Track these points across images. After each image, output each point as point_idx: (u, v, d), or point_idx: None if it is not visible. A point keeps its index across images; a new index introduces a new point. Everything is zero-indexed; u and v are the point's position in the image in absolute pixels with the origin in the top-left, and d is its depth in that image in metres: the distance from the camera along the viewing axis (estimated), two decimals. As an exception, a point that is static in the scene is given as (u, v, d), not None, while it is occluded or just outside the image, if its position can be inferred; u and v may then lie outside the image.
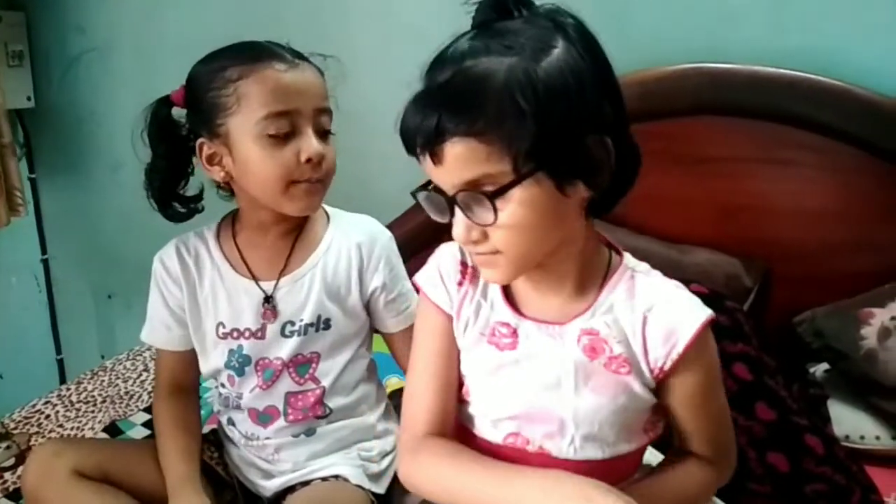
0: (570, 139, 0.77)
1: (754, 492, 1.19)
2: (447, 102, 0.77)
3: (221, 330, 1.25)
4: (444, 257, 0.98)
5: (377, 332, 1.33)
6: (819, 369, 1.54)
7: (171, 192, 1.25)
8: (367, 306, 1.28)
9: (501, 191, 0.77)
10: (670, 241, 1.66)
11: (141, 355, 1.89)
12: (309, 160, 1.13)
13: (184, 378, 1.31)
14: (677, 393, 0.89)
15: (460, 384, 0.96)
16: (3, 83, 2.19)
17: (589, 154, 0.78)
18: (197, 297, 1.25)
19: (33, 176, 2.46)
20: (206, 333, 1.26)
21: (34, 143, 2.46)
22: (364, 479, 1.25)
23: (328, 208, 1.31)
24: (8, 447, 1.49)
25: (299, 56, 1.18)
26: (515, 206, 0.78)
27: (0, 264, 2.42)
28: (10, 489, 1.38)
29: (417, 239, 1.76)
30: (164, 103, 1.21)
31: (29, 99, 2.36)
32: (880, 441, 1.39)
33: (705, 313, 0.86)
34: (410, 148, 0.82)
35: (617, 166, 0.80)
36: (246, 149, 1.14)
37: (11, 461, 1.46)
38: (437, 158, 0.79)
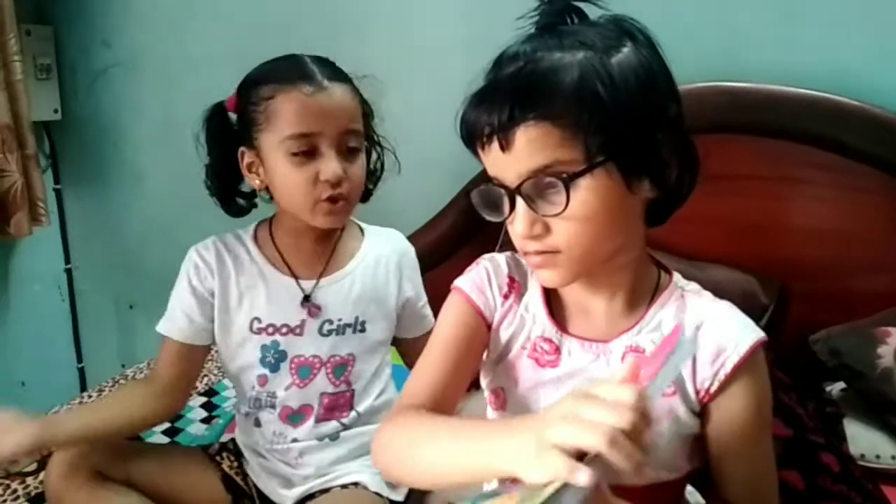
0: (642, 132, 0.77)
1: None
2: (521, 89, 0.77)
3: (256, 325, 1.29)
4: (493, 267, 0.97)
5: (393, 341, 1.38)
6: (835, 388, 1.54)
7: (230, 190, 1.31)
8: (399, 313, 1.34)
9: (573, 177, 0.76)
10: (686, 258, 1.67)
11: (161, 364, 1.91)
12: (327, 180, 1.17)
13: (179, 379, 1.31)
14: (719, 420, 0.85)
15: (472, 384, 0.95)
16: (31, 96, 2.23)
17: (658, 150, 0.79)
18: (230, 290, 1.29)
19: (58, 187, 2.50)
20: (237, 328, 1.29)
21: (60, 154, 2.50)
22: (383, 487, 1.29)
23: (359, 222, 1.37)
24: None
25: (335, 76, 1.21)
26: (584, 195, 0.77)
27: (24, 273, 2.45)
28: (33, 494, 1.40)
29: (436, 253, 1.80)
30: (218, 108, 1.28)
31: (56, 111, 2.40)
32: (896, 460, 1.39)
33: (757, 334, 0.85)
34: (474, 137, 0.82)
35: (679, 169, 0.81)
36: (273, 163, 1.19)
37: (34, 466, 1.48)
38: (507, 145, 0.78)
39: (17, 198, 2.18)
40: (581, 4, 0.83)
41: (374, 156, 1.32)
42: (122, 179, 2.44)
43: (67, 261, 2.56)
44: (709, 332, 0.84)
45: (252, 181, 1.25)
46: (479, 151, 0.83)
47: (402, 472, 0.87)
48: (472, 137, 0.82)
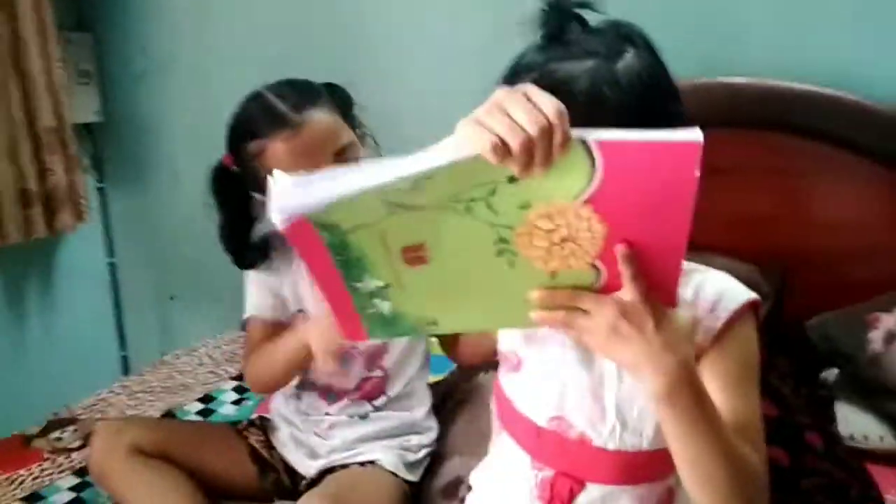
0: (646, 128, 0.84)
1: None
2: None
3: (303, 316, 1.39)
4: None
5: None
6: (831, 374, 1.59)
7: (243, 243, 1.38)
8: None
9: None
10: (690, 249, 1.72)
11: (196, 352, 2.04)
12: None
13: None
14: (708, 373, 0.86)
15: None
16: (73, 99, 2.36)
17: None
18: (285, 278, 1.39)
19: (102, 185, 2.64)
20: (288, 314, 1.40)
21: (102, 155, 2.63)
22: (400, 467, 1.37)
23: None
24: (75, 430, 1.65)
25: (303, 103, 1.26)
26: None
27: (69, 267, 2.58)
28: (77, 467, 1.52)
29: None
30: (219, 167, 1.35)
31: (97, 114, 2.53)
32: (884, 441, 1.43)
33: (750, 294, 0.89)
34: None
35: None
36: None
37: (78, 443, 1.61)
38: None
39: (61, 196, 2.31)
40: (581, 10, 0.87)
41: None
42: (161, 178, 2.55)
43: (111, 255, 2.69)
44: (708, 288, 0.89)
45: None
46: None
47: None
48: None
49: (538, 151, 0.65)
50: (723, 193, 1.70)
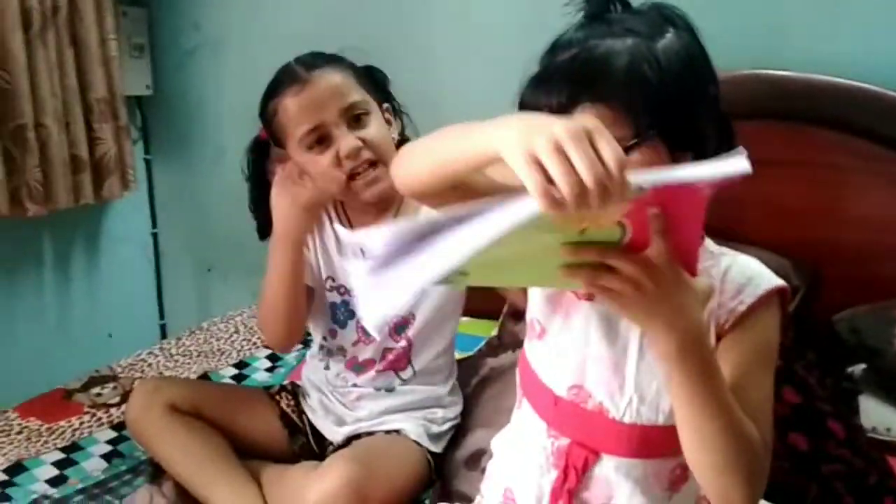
0: (686, 109, 0.85)
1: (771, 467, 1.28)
2: (577, 73, 0.84)
3: (330, 283, 1.43)
4: None
5: None
6: (857, 368, 1.58)
7: (268, 212, 1.41)
8: None
9: (624, 149, 0.80)
10: (722, 239, 1.73)
11: (233, 319, 2.10)
12: (346, 156, 1.29)
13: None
14: (726, 353, 0.88)
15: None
16: (125, 72, 2.43)
17: (699, 126, 0.86)
18: (315, 246, 1.43)
19: (148, 157, 2.70)
20: (316, 282, 1.44)
21: (151, 127, 2.69)
22: (424, 437, 1.40)
23: None
24: (114, 388, 1.72)
25: (317, 64, 1.33)
26: (634, 164, 0.81)
27: (114, 235, 2.66)
28: (115, 422, 1.58)
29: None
30: (256, 141, 1.42)
31: (147, 87, 2.58)
32: (906, 434, 1.43)
33: (778, 281, 0.90)
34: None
35: (718, 143, 0.87)
36: (304, 163, 1.33)
37: (117, 399, 1.67)
38: None
39: (110, 164, 2.38)
40: None
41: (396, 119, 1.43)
42: (205, 152, 2.60)
43: (154, 225, 2.76)
44: (736, 271, 0.90)
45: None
46: None
47: (411, 167, 0.90)
48: None
49: (591, 201, 0.65)
50: (757, 185, 1.70)
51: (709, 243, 0.97)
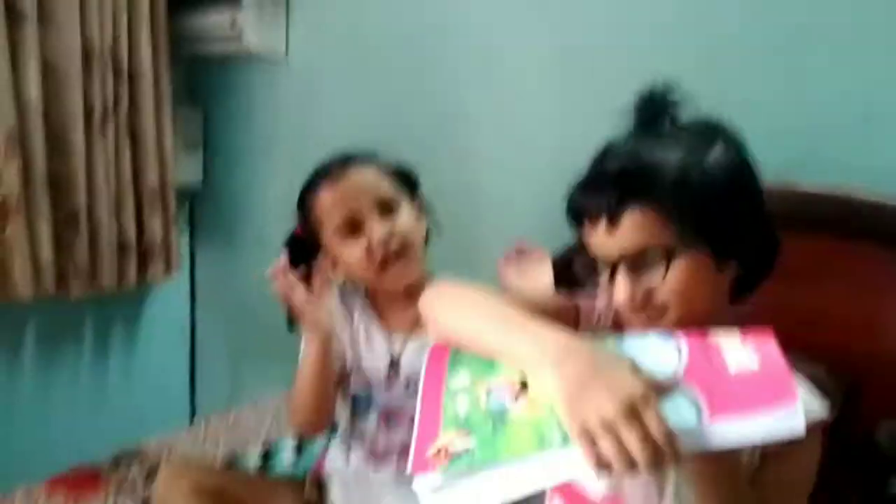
0: (731, 220, 0.88)
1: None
2: (628, 179, 0.87)
3: (355, 374, 1.44)
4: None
5: None
6: (900, 482, 1.54)
7: None
8: None
9: (670, 256, 0.87)
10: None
11: (262, 405, 2.10)
12: (376, 241, 1.33)
13: None
14: (763, 481, 0.89)
15: None
16: (177, 165, 2.53)
17: (744, 236, 0.90)
18: (342, 333, 1.45)
19: (192, 245, 2.78)
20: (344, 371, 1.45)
21: (197, 218, 2.79)
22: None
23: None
24: (142, 467, 1.72)
25: (351, 163, 1.39)
26: (679, 272, 0.87)
27: (155, 317, 2.72)
28: (140, 500, 1.59)
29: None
30: (292, 237, 1.45)
31: (198, 181, 2.69)
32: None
33: (824, 412, 0.91)
34: (582, 217, 0.93)
35: (762, 252, 0.92)
36: (339, 254, 1.37)
37: (143, 478, 1.67)
38: (613, 225, 0.88)
39: (156, 250, 2.45)
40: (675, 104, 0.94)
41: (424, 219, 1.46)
42: (246, 244, 2.67)
43: (192, 310, 2.82)
44: None
45: (339, 277, 1.43)
46: (586, 229, 0.93)
47: (437, 322, 0.96)
48: (580, 217, 0.93)
49: (642, 472, 0.70)
50: (795, 296, 1.71)
51: None
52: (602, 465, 0.70)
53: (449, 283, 1.03)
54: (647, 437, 0.69)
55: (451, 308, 0.95)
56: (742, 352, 0.79)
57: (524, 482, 0.73)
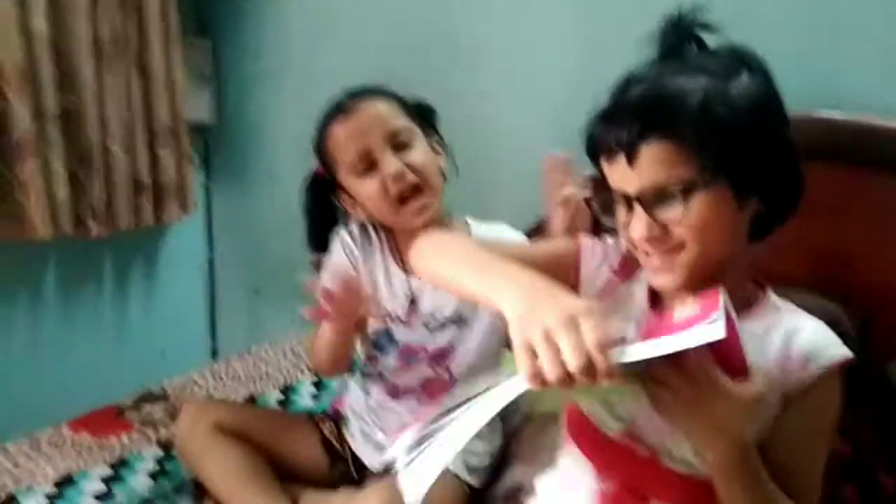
0: (755, 153, 0.85)
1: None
2: (648, 109, 0.84)
3: (374, 310, 1.44)
4: (613, 244, 1.03)
5: None
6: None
7: (324, 246, 1.47)
8: None
9: (690, 190, 0.84)
10: (773, 283, 1.70)
11: (281, 344, 2.12)
12: (391, 175, 1.31)
13: None
14: (786, 419, 0.89)
15: None
16: (189, 99, 2.50)
17: (768, 171, 0.86)
18: (361, 269, 1.44)
19: (207, 182, 2.77)
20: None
21: (211, 154, 2.77)
22: (464, 471, 1.39)
23: (468, 218, 1.48)
24: (164, 406, 1.75)
25: (363, 96, 1.36)
26: (699, 208, 0.84)
27: (171, 256, 2.73)
28: (163, 440, 1.62)
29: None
30: (313, 177, 1.46)
31: (210, 116, 2.66)
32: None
33: (845, 352, 0.90)
34: (599, 151, 0.90)
35: (785, 189, 0.89)
36: (356, 191, 1.36)
37: (166, 417, 1.70)
38: (632, 159, 0.85)
39: (171, 188, 2.45)
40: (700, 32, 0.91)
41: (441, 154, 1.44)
42: (261, 179, 2.66)
43: (210, 249, 2.83)
44: (799, 341, 0.90)
45: (359, 216, 1.42)
46: (604, 164, 0.91)
47: (421, 269, 1.02)
48: (598, 151, 0.91)
49: (577, 383, 0.71)
50: (813, 226, 1.68)
51: (771, 296, 0.97)
52: (536, 374, 0.72)
53: (437, 233, 1.06)
54: (580, 346, 0.70)
55: (435, 255, 0.99)
56: (688, 306, 0.81)
57: (477, 416, 0.76)
